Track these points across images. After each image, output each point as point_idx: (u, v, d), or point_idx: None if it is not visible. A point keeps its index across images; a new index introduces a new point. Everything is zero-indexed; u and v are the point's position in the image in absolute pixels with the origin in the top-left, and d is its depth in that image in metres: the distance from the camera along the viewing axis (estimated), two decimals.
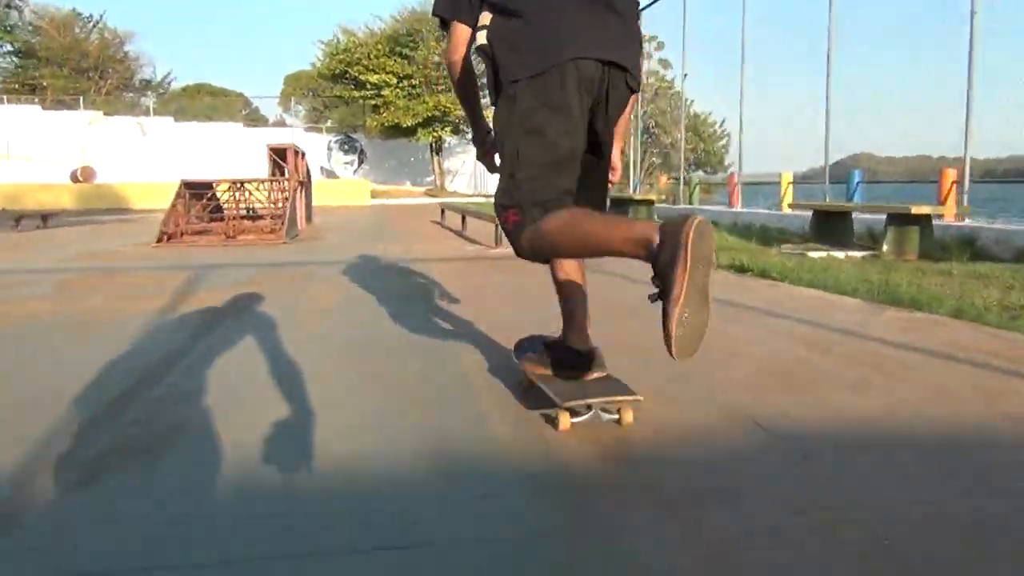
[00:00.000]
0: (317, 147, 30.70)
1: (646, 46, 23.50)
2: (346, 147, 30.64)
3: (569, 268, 2.29)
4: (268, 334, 3.41)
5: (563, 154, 1.94)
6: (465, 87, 2.35)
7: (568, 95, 1.90)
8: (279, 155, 9.81)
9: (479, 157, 2.41)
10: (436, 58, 26.17)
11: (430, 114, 26.27)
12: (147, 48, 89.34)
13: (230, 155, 29.99)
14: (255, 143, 31.71)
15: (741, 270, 5.66)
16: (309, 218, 12.18)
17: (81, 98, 28.15)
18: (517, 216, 1.93)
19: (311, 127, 32.34)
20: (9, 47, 30.00)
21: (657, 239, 1.59)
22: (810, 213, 8.31)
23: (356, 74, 26.33)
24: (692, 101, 22.02)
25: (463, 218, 10.15)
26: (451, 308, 4.31)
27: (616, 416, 2.12)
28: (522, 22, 1.95)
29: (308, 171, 11.83)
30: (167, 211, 9.01)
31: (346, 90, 27.98)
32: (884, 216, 7.00)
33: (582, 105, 1.94)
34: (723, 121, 28.35)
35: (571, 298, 2.29)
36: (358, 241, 8.87)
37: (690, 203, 16.14)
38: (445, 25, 2.21)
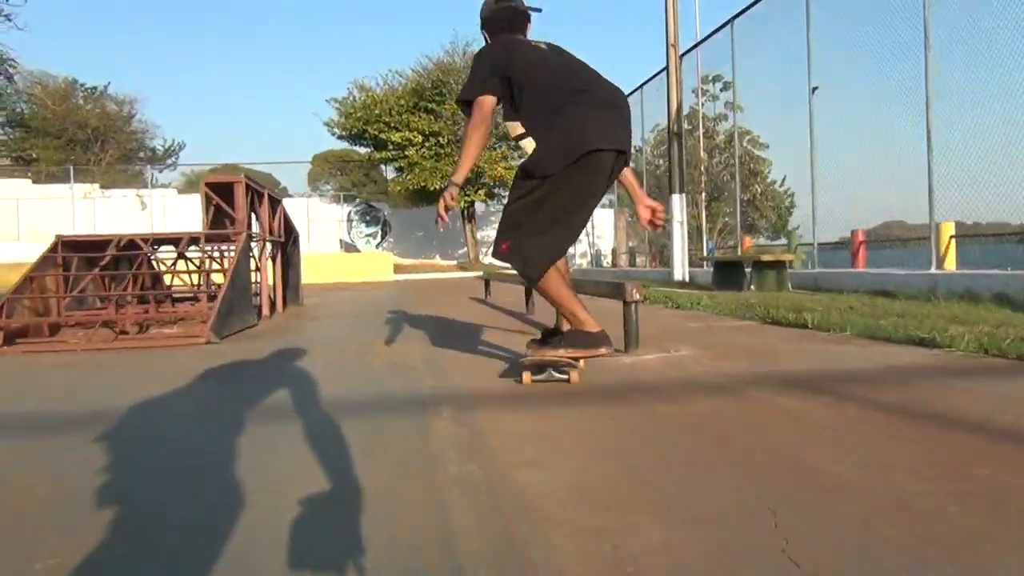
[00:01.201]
0: (334, 217, 27.32)
1: (710, 87, 20.04)
2: (368, 218, 27.18)
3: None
4: None
5: (576, 235, 2.90)
6: (479, 150, 2.94)
7: (596, 179, 2.76)
8: (222, 194, 5.84)
9: (448, 199, 2.89)
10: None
11: None
12: (156, 115, 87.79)
13: None
14: None
15: None
16: (294, 298, 8.20)
17: (71, 169, 25.16)
18: (506, 246, 2.83)
19: (326, 192, 28.99)
20: None
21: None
22: None
23: (376, 133, 22.97)
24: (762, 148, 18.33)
25: (528, 295, 6.11)
26: None
27: (566, 378, 2.85)
28: (552, 123, 2.74)
29: (289, 230, 7.90)
30: (17, 286, 5.06)
31: (360, 156, 24.68)
32: None
33: (603, 188, 2.81)
34: (783, 179, 24.15)
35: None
36: (349, 339, 4.84)
37: (813, 266, 11.93)
38: (469, 107, 2.83)
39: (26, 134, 28.05)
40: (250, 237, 5.66)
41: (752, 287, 9.06)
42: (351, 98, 23.73)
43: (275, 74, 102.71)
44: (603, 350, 2.77)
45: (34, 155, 27.46)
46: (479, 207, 26.13)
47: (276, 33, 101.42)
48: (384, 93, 23.79)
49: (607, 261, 24.43)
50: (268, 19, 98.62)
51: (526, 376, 2.83)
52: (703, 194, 18.89)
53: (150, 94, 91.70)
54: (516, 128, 2.83)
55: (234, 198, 5.74)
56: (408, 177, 23.23)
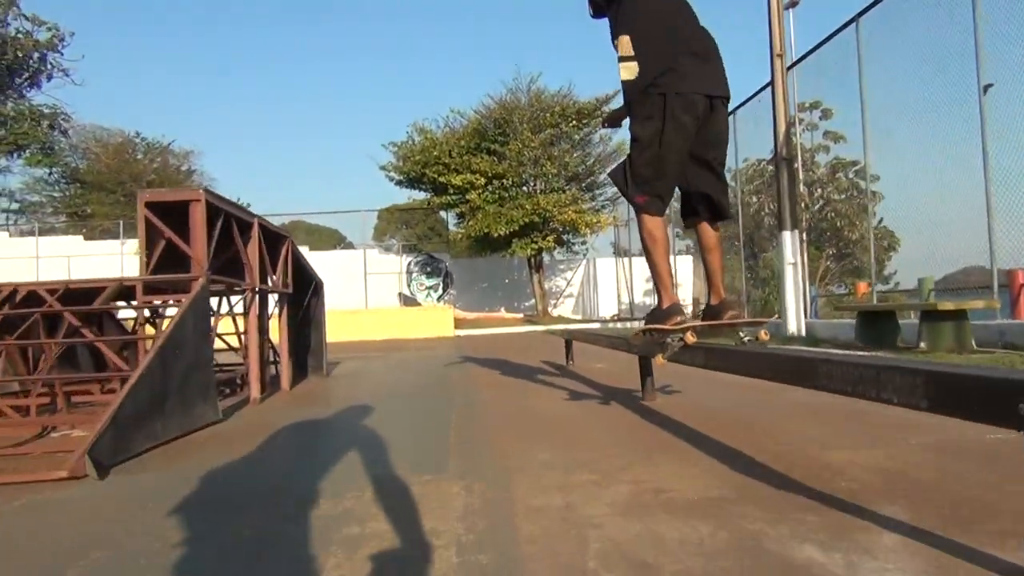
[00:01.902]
0: (393, 268, 25.61)
1: (806, 115, 17.53)
2: (428, 269, 25.27)
3: (709, 241, 3.03)
4: None
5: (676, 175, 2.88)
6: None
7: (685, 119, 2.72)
8: (174, 220, 3.72)
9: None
10: (532, 151, 20.85)
11: (527, 220, 20.58)
12: (213, 168, 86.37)
13: None
14: (322, 265, 27.19)
15: None
16: (316, 367, 6.08)
17: (121, 223, 24.31)
18: (645, 197, 2.82)
19: (383, 245, 27.36)
20: (51, 172, 27.01)
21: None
22: None
23: (435, 176, 21.19)
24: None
25: (645, 368, 3.78)
26: None
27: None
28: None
29: (304, 277, 5.82)
30: None
31: (421, 203, 22.95)
32: None
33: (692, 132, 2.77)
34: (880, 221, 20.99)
35: (709, 266, 3.05)
36: (368, 466, 2.60)
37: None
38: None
39: (82, 189, 27.67)
40: (207, 284, 3.50)
41: (923, 344, 6.85)
42: (410, 141, 22.15)
43: (337, 124, 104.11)
44: (666, 325, 2.78)
45: (88, 210, 26.91)
46: (546, 256, 23.92)
47: (338, 79, 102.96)
48: (444, 135, 22.13)
49: (688, 311, 21.80)
50: (326, 66, 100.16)
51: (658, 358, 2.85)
52: (803, 234, 16.10)
53: (207, 147, 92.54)
54: (625, 47, 2.82)
55: (190, 225, 3.63)
56: (471, 223, 21.28)
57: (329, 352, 6.63)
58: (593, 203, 23.11)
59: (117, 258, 24.46)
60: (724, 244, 17.26)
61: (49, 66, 25.67)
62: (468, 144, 21.39)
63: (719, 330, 2.94)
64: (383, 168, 22.27)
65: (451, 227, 25.68)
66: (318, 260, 26.55)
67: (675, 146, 2.72)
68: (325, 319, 6.47)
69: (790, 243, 10.42)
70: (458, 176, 20.86)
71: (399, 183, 22.78)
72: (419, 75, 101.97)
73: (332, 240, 42.09)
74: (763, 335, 3.17)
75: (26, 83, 26.06)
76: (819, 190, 18.07)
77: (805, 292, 10.51)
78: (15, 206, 28.27)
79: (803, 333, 10.22)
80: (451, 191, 21.33)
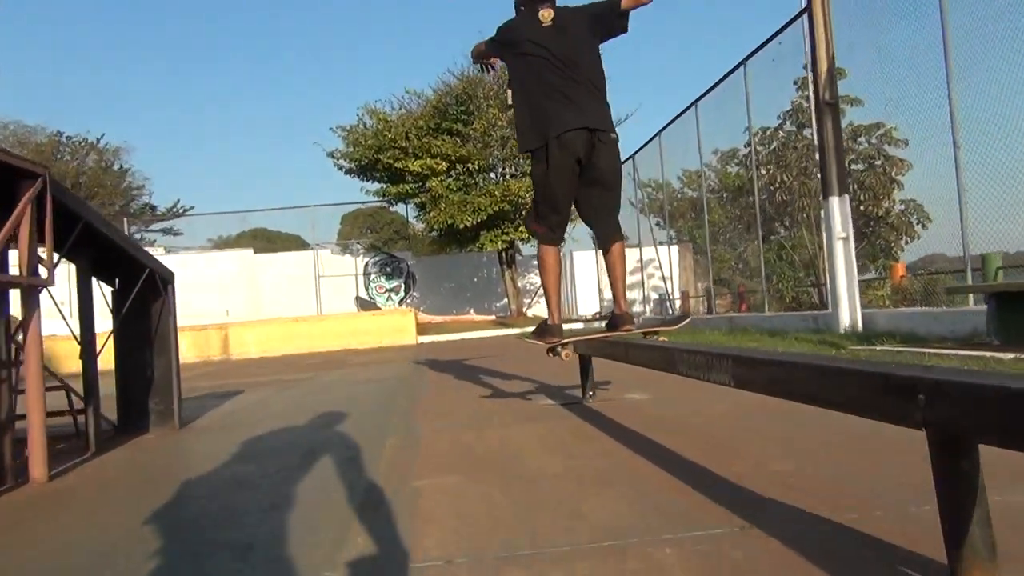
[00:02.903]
0: (349, 270, 22.89)
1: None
2: (388, 270, 22.57)
3: (613, 257, 3.36)
4: None
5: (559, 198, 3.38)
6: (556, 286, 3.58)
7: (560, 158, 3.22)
8: None
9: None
10: (502, 131, 18.33)
11: (496, 209, 18.05)
12: (143, 165, 68.02)
13: (237, 286, 22.36)
14: (271, 269, 24.79)
15: None
16: (164, 411, 3.52)
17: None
18: (541, 228, 3.46)
19: (337, 244, 24.51)
20: None
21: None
22: None
23: (390, 162, 18.54)
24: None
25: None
26: None
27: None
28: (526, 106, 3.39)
29: (123, 255, 3.28)
30: None
31: (376, 194, 20.33)
32: None
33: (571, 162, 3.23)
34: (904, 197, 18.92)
35: (611, 277, 3.42)
36: None
37: None
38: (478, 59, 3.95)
39: None
40: None
41: None
42: (360, 125, 19.47)
43: (286, 119, 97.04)
44: (554, 339, 3.37)
45: None
46: (521, 249, 21.41)
47: (279, 65, 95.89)
48: (399, 117, 19.50)
49: (677, 305, 19.55)
50: (270, 48, 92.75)
51: (564, 351, 3.39)
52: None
53: (137, 143, 76.70)
54: (511, 97, 3.50)
55: None
56: (432, 214, 18.67)
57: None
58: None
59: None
60: (739, 225, 14.65)
61: None
62: (427, 124, 18.81)
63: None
64: (330, 155, 19.55)
65: (411, 220, 23.00)
66: (266, 263, 23.79)
67: (559, 182, 3.26)
68: (176, 334, 3.90)
69: (839, 212, 8.12)
70: (416, 161, 18.25)
71: (349, 172, 20.09)
72: (372, 60, 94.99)
73: (296, 246, 39.00)
74: (661, 338, 3.24)
75: None
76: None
77: (854, 275, 8.18)
78: None
79: (860, 326, 7.91)
80: (409, 178, 18.71)
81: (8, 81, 47.75)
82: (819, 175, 8.77)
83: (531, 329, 3.63)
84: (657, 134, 14.60)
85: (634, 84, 72.04)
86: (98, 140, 27.19)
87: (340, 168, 19.96)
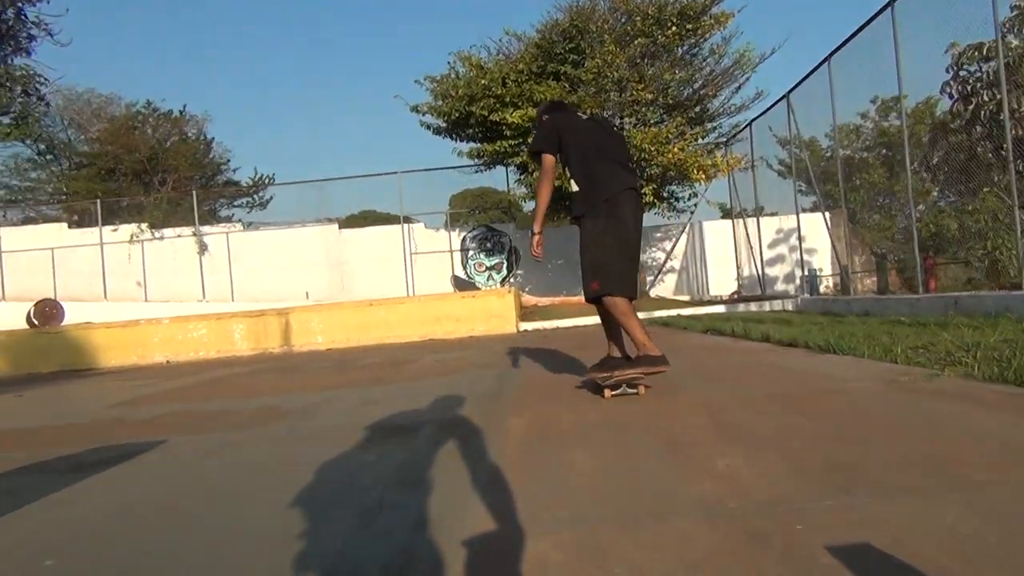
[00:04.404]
0: (446, 247, 20.18)
1: None
2: (488, 245, 19.59)
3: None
4: None
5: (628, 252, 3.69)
6: (548, 199, 3.82)
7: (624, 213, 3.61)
8: None
9: (534, 247, 3.83)
10: (618, 72, 14.86)
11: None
12: (224, 136, 64.07)
13: (319, 265, 20.16)
14: (356, 247, 22.43)
15: None
16: None
17: (98, 204, 19.69)
18: (598, 285, 3.59)
19: (430, 214, 21.68)
20: (34, 145, 22.31)
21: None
22: None
23: (484, 113, 15.49)
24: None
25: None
26: None
27: (636, 391, 3.54)
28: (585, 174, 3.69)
29: None
30: None
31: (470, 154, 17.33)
32: None
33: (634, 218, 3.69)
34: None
35: (613, 330, 3.73)
36: None
37: None
38: (539, 158, 3.77)
39: (74, 169, 23.16)
40: None
41: None
42: (451, 74, 16.52)
43: (372, 79, 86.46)
44: (663, 367, 3.47)
45: (68, 192, 22.39)
46: (649, 209, 17.82)
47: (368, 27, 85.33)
48: (496, 63, 16.40)
49: (827, 284, 15.54)
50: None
51: (606, 393, 3.55)
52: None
53: (216, 113, 66.45)
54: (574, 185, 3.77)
55: None
56: (536, 176, 15.52)
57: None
58: (705, 140, 16.90)
59: (110, 247, 20.01)
60: (940, 175, 10.56)
61: (28, 24, 21.20)
62: (528, 68, 15.59)
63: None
64: (415, 110, 16.68)
65: (510, 186, 19.93)
66: (352, 238, 21.48)
67: (620, 237, 3.63)
68: None
69: None
70: (516, 112, 15.06)
71: (438, 131, 17.20)
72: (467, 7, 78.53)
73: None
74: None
75: (9, 49, 21.70)
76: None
77: None
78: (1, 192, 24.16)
79: None
80: (508, 133, 15.57)
81: (78, 49, 47.19)
82: None
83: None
84: (822, 64, 10.71)
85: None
86: (181, 112, 25.73)
87: (427, 127, 17.10)
